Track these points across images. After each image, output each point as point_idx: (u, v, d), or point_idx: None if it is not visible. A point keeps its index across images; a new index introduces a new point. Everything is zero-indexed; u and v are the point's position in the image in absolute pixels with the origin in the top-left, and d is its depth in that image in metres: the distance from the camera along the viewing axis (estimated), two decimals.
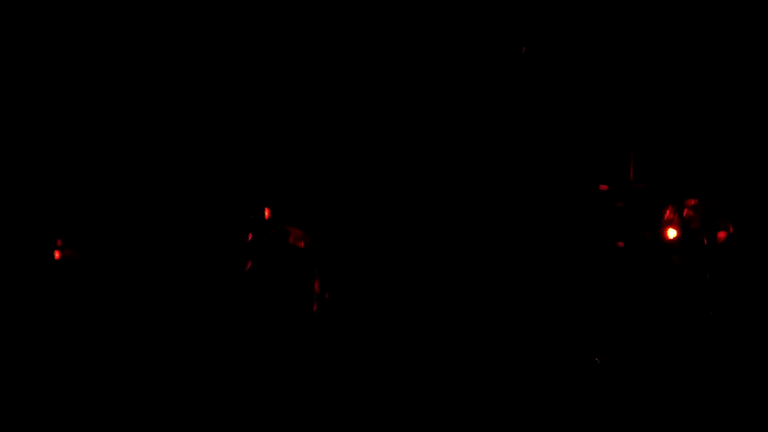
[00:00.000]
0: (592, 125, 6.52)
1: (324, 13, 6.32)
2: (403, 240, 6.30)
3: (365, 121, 6.40)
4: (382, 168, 6.32)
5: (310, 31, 6.35)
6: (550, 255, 6.43)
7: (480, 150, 6.44)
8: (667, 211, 6.15)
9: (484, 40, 6.37)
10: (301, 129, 6.40)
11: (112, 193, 5.99)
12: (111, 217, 6.01)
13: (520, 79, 6.43)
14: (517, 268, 6.32)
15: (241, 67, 6.31)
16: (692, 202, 6.19)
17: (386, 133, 6.41)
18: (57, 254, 5.64)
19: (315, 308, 6.17)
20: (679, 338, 5.81)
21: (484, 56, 6.40)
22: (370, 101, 6.39)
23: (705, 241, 6.12)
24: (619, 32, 6.38)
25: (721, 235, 6.11)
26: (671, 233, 6.09)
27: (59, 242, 5.66)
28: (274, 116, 6.37)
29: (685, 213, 6.18)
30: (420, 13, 6.33)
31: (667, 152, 6.44)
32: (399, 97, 6.40)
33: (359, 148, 6.36)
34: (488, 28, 6.33)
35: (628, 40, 6.39)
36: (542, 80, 6.47)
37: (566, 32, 6.44)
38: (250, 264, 6.17)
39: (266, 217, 6.20)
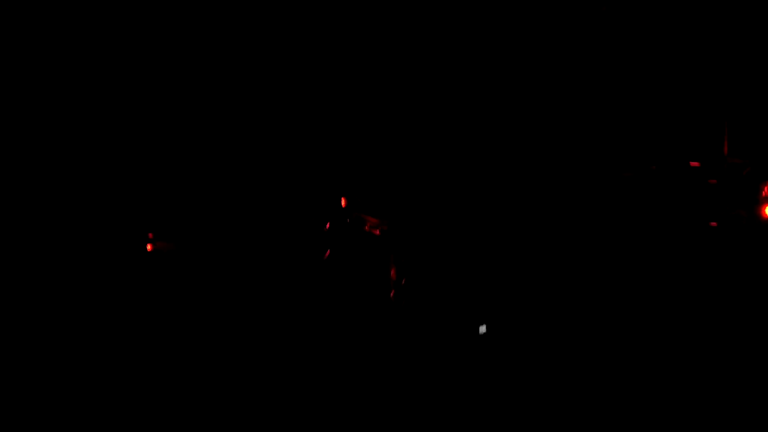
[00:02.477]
0: (682, 96, 6.10)
1: None
2: (474, 229, 6.24)
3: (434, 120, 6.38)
4: (451, 161, 6.29)
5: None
6: (641, 236, 6.13)
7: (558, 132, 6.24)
8: (766, 188, 5.66)
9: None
10: (377, 127, 6.48)
11: (202, 192, 6.38)
12: (202, 214, 6.40)
13: (607, 52, 6.13)
14: (601, 250, 6.07)
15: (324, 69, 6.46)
16: None
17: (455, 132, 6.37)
18: (149, 247, 6.11)
19: (392, 294, 6.26)
20: None
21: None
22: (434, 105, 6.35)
23: None
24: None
25: None
26: None
27: (150, 235, 6.14)
28: (352, 114, 6.49)
29: None
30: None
31: (765, 123, 5.91)
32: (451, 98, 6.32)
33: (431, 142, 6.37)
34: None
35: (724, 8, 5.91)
36: (630, 52, 6.13)
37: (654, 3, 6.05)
38: (328, 253, 6.35)
39: (343, 206, 6.35)
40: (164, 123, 6.46)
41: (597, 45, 6.21)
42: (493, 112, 6.41)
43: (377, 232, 6.32)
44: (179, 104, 6.53)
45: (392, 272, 6.30)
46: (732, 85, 5.88)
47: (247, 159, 6.46)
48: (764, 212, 5.70)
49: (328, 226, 6.30)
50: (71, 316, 5.95)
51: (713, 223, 5.89)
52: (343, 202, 6.30)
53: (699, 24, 5.97)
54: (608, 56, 6.24)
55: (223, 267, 6.26)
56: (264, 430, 5.31)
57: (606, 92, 6.24)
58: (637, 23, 6.14)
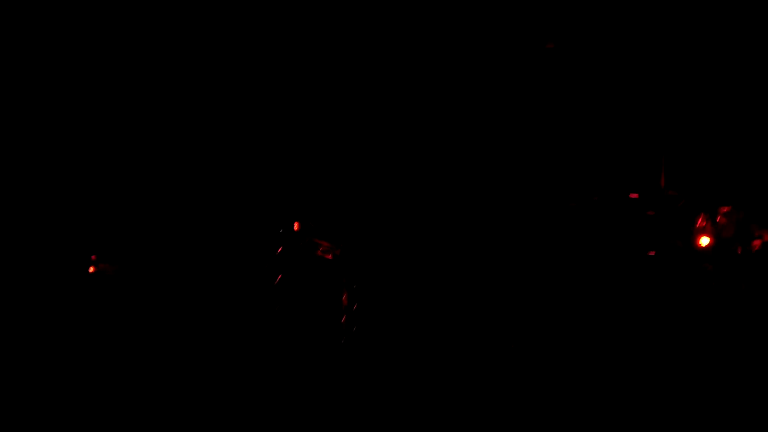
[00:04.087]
0: (623, 132, 6.45)
1: None
2: (428, 251, 6.33)
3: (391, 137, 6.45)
4: (406, 182, 6.38)
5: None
6: (580, 265, 6.37)
7: (503, 160, 6.44)
8: (699, 219, 6.04)
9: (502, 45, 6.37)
10: (329, 146, 6.49)
11: (143, 211, 6.16)
12: (143, 236, 6.18)
13: (546, 87, 6.41)
14: (543, 280, 6.27)
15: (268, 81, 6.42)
16: (725, 209, 6.07)
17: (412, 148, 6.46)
18: (92, 269, 5.84)
19: (343, 320, 6.22)
20: (712, 347, 5.67)
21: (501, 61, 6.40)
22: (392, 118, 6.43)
23: (739, 250, 5.98)
24: (650, 35, 6.31)
25: (756, 243, 5.96)
26: (704, 241, 5.97)
27: (93, 257, 5.87)
28: (302, 133, 6.47)
29: (718, 220, 6.06)
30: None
31: (699, 159, 6.33)
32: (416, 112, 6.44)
33: (385, 162, 6.43)
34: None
35: (659, 43, 6.31)
36: (568, 86, 6.44)
37: (593, 36, 6.39)
38: (280, 277, 6.26)
39: (295, 230, 6.28)
40: (108, 139, 6.23)
41: (544, 80, 6.48)
42: (439, 139, 6.55)
43: (329, 256, 6.28)
44: (124, 121, 6.32)
45: (344, 297, 6.27)
46: (669, 122, 6.27)
47: (195, 179, 6.30)
48: (698, 242, 6.08)
49: (279, 250, 6.21)
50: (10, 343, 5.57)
51: (651, 252, 6.22)
52: (296, 226, 6.23)
53: (637, 57, 6.35)
54: (552, 90, 6.53)
55: (170, 291, 6.05)
56: None
57: (549, 126, 6.51)
58: (577, 56, 6.47)
